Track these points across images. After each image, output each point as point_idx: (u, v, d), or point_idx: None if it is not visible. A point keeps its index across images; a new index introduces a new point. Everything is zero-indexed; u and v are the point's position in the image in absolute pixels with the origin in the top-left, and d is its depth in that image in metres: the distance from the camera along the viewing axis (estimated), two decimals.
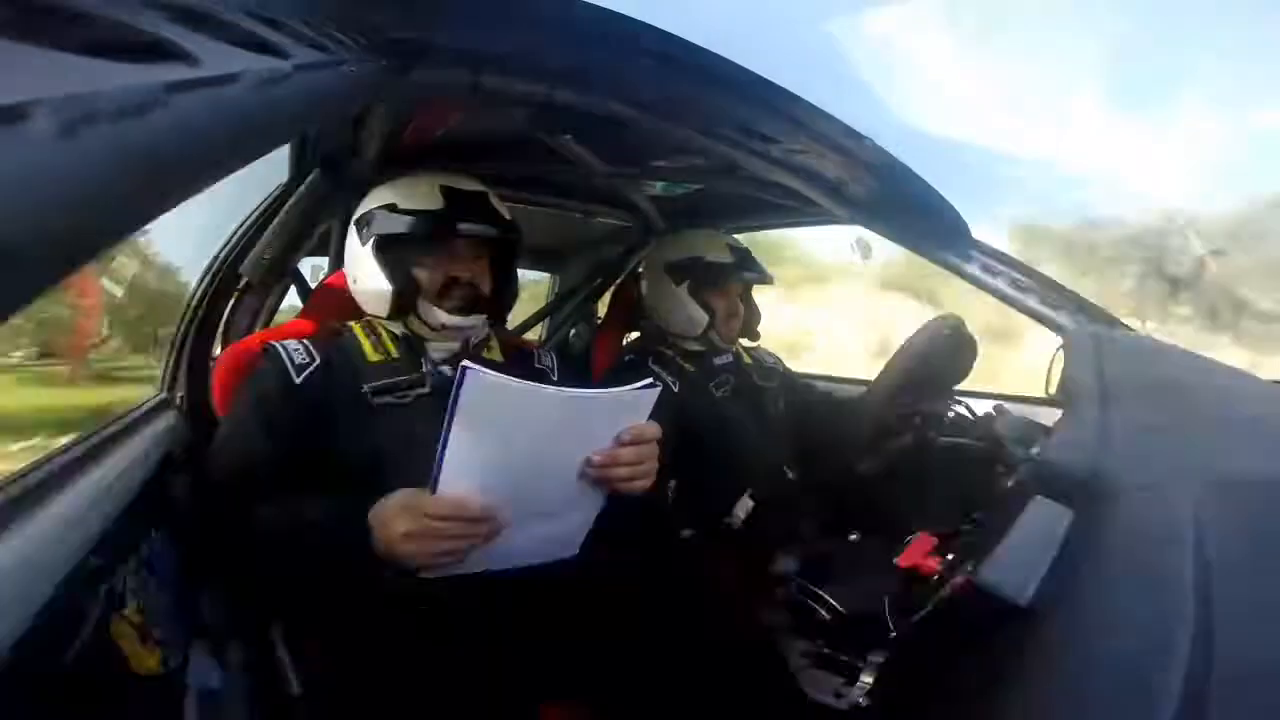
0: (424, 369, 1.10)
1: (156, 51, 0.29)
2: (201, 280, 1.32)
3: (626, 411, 0.88)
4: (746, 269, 1.58)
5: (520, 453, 0.79)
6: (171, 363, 1.28)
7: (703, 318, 1.55)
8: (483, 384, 0.74)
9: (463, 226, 1.07)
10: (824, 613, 1.22)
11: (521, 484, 0.83)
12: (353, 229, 1.13)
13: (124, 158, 0.23)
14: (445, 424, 0.75)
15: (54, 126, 0.21)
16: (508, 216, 1.13)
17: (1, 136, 0.19)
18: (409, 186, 1.10)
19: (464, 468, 0.79)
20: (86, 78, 0.24)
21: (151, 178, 0.25)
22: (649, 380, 0.85)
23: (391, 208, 1.08)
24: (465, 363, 0.74)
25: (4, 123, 0.19)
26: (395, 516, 0.82)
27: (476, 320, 1.12)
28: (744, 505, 1.56)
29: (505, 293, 1.19)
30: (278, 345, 1.09)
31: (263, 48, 0.37)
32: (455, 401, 0.74)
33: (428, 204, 1.08)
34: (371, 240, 1.09)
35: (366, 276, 1.11)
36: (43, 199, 0.20)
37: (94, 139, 0.22)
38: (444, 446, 0.77)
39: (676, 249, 1.61)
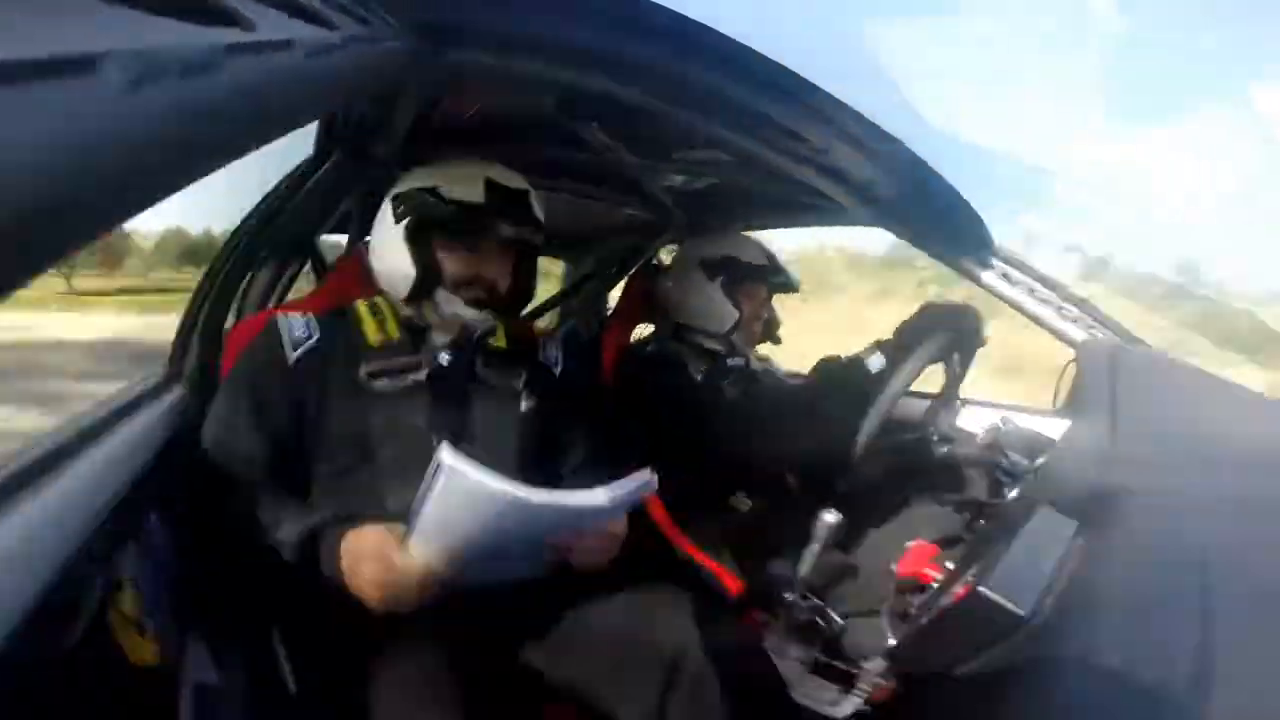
0: (423, 354, 1.09)
1: (214, 14, 0.30)
2: (221, 252, 1.32)
3: (609, 508, 0.88)
4: (778, 275, 1.62)
5: (495, 533, 0.82)
6: (180, 336, 1.27)
7: (733, 314, 1.56)
8: (461, 482, 0.75)
9: (498, 224, 1.07)
10: (821, 621, 1.22)
11: (491, 549, 0.85)
12: (387, 204, 1.11)
13: (184, 114, 0.24)
14: (419, 498, 0.78)
15: (123, 79, 0.21)
16: (542, 218, 1.12)
17: (75, 84, 0.20)
18: (454, 172, 1.08)
19: (436, 536, 0.81)
20: (153, 34, 0.24)
21: (207, 135, 0.26)
22: (645, 475, 0.86)
23: (432, 191, 1.06)
24: (444, 457, 0.75)
25: (78, 72, 0.20)
26: (366, 559, 0.84)
27: (488, 317, 1.11)
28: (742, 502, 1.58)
29: (522, 292, 1.19)
30: (279, 319, 1.08)
31: (313, 17, 0.37)
32: (430, 489, 0.76)
33: (470, 196, 1.05)
34: (406, 220, 1.07)
35: (392, 255, 1.09)
36: (110, 145, 0.20)
37: (158, 94, 0.23)
38: (417, 515, 0.79)
39: (712, 246, 1.62)
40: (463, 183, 1.07)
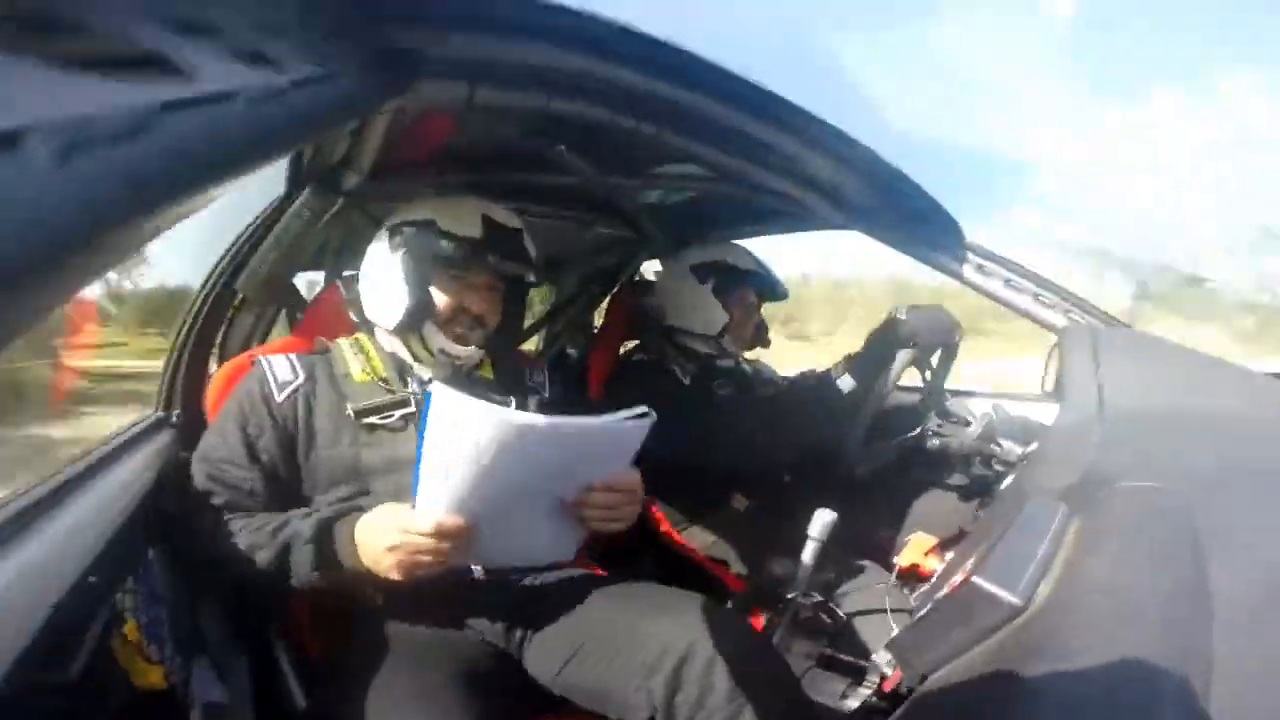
0: (409, 389, 1.11)
1: (150, 65, 0.29)
2: (197, 296, 1.31)
3: (610, 441, 0.88)
4: (767, 279, 1.66)
5: (497, 473, 0.80)
6: (168, 380, 1.28)
7: (723, 317, 1.60)
8: (451, 406, 0.76)
9: (493, 260, 1.09)
10: (824, 616, 1.22)
11: (501, 502, 0.84)
12: (383, 235, 1.13)
13: (117, 182, 0.23)
14: (418, 441, 0.78)
15: (49, 152, 0.21)
16: (533, 256, 1.14)
17: None
18: (451, 208, 1.11)
19: (441, 485, 0.81)
20: (80, 98, 0.23)
21: (144, 201, 0.25)
22: (642, 410, 0.85)
23: (430, 225, 1.09)
24: (434, 384, 0.75)
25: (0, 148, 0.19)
26: (380, 531, 0.87)
27: (474, 353, 1.13)
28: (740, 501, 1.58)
29: (510, 331, 1.22)
30: (263, 360, 1.09)
31: (258, 60, 0.37)
32: (424, 421, 0.77)
33: (468, 231, 1.08)
34: (402, 251, 1.09)
35: (385, 285, 1.11)
36: (37, 227, 0.20)
37: (88, 164, 0.22)
38: (419, 465, 0.80)
39: (703, 253, 1.66)
40: (461, 218, 1.09)
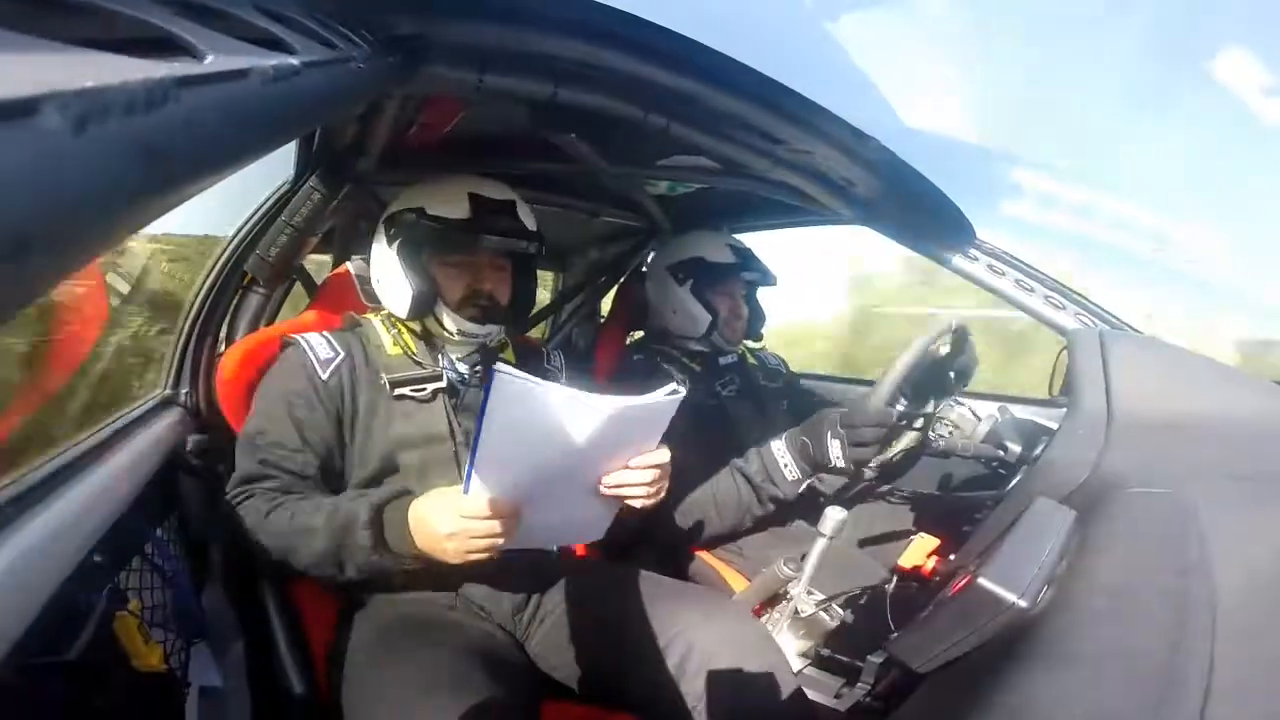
0: (441, 365, 1.11)
1: (164, 47, 0.29)
2: (206, 277, 1.32)
3: (648, 418, 0.89)
4: (748, 269, 1.59)
5: (546, 453, 0.82)
6: (175, 360, 1.28)
7: (705, 317, 1.56)
8: (512, 387, 0.76)
9: (487, 240, 1.07)
10: (825, 614, 1.22)
11: (546, 482, 0.85)
12: (381, 227, 1.13)
13: (133, 153, 0.23)
14: (476, 425, 0.77)
15: (65, 121, 0.21)
16: (533, 227, 1.12)
17: (13, 130, 0.19)
18: (439, 191, 1.10)
19: (494, 468, 0.81)
20: (95, 72, 0.23)
21: (160, 173, 0.25)
22: (672, 386, 0.85)
23: (420, 212, 1.08)
24: (496, 365, 0.75)
25: (15, 117, 0.19)
26: (435, 517, 0.85)
27: (492, 329, 1.13)
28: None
29: (523, 303, 1.20)
30: (301, 340, 1.09)
31: (271, 44, 0.37)
32: (485, 403, 0.76)
33: (455, 212, 1.07)
34: (398, 242, 1.09)
35: (390, 277, 1.11)
36: (53, 193, 0.20)
37: (104, 134, 0.22)
38: (475, 447, 0.79)
39: (679, 250, 1.61)
40: (448, 200, 1.08)
